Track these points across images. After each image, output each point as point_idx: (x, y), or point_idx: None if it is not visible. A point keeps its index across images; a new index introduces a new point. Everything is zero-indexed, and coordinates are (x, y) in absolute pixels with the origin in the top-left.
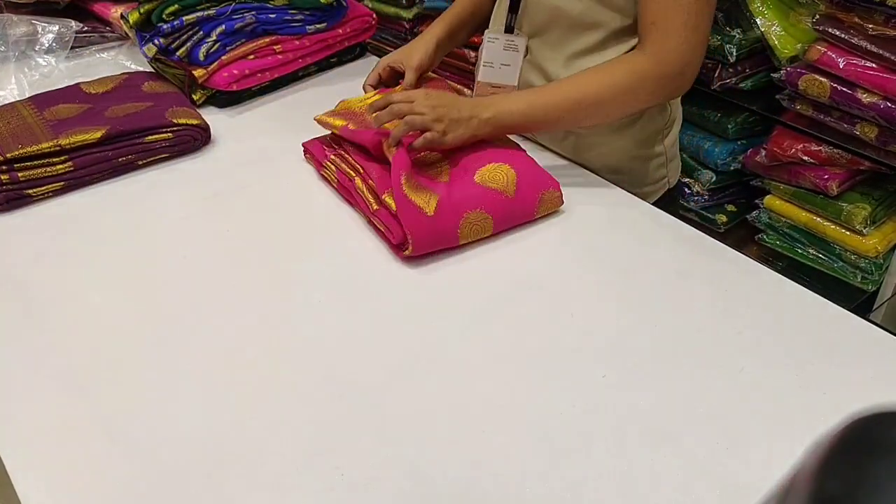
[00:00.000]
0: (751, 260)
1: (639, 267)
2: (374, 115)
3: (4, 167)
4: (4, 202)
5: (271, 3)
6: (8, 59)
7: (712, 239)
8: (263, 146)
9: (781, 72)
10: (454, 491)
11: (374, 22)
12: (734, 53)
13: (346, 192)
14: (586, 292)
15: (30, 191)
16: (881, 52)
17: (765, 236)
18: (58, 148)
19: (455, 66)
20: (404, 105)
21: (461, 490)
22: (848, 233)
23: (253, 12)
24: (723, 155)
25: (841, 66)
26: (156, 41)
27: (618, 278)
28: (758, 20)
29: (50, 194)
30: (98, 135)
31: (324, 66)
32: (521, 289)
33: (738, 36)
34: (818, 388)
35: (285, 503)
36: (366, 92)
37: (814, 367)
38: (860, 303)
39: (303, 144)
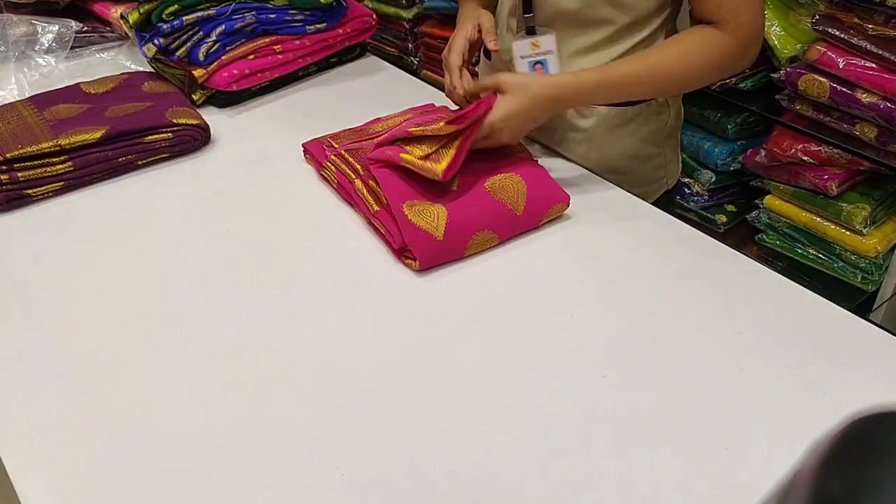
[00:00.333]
0: (751, 260)
1: (639, 267)
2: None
3: (4, 167)
4: (4, 202)
5: (271, 3)
6: (8, 59)
7: (712, 239)
8: (263, 146)
9: (781, 72)
10: (454, 491)
11: (374, 22)
12: None
13: (346, 193)
14: (586, 292)
15: (30, 191)
16: (881, 52)
17: (765, 236)
18: (58, 148)
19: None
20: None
21: (461, 490)
22: (848, 233)
23: (253, 12)
24: (723, 155)
25: (841, 67)
26: (156, 41)
27: (618, 278)
28: None
29: (50, 194)
30: (98, 135)
31: (324, 66)
32: (521, 289)
33: None
34: (818, 389)
35: (285, 503)
36: (452, 74)
37: (814, 367)
38: (860, 303)
39: (303, 145)
